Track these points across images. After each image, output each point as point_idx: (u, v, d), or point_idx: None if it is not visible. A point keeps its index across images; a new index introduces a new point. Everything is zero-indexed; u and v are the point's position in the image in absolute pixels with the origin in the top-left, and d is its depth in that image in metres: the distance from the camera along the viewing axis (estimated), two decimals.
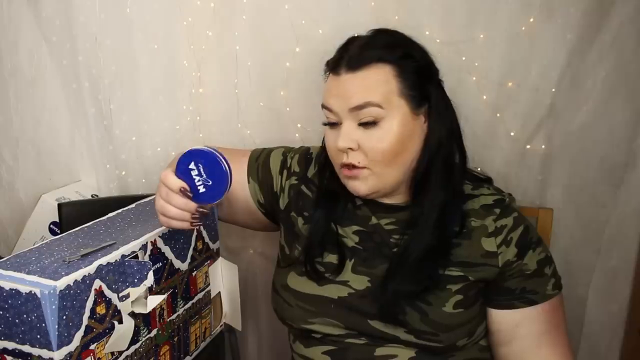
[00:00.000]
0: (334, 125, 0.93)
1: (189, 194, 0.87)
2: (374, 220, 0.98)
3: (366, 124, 0.88)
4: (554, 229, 1.18)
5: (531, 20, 1.12)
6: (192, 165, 0.86)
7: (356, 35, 0.96)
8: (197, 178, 0.86)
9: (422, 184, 0.93)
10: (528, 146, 1.20)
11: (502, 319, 0.94)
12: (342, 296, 0.94)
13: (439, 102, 0.94)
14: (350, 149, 0.89)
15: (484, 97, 1.18)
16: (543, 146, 1.19)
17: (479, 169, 1.10)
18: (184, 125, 1.38)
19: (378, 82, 0.88)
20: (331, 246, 0.98)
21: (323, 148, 1.03)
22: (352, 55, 0.90)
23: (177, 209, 0.87)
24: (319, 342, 0.96)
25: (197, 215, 0.88)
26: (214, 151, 0.85)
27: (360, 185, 0.91)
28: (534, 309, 0.92)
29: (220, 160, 0.85)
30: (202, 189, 0.86)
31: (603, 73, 1.13)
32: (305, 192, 1.04)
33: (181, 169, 0.87)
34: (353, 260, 0.97)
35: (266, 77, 1.30)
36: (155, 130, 1.40)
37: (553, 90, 1.15)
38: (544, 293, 0.93)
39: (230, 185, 0.86)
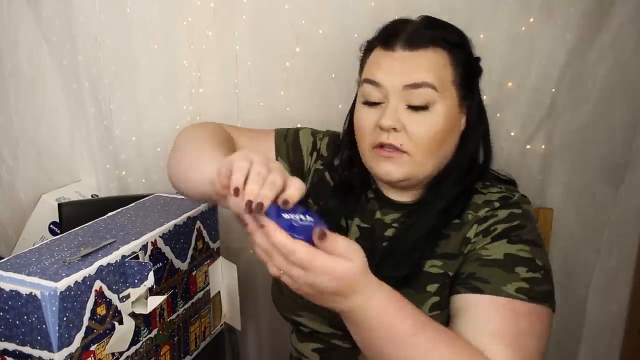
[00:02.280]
0: (374, 105, 0.87)
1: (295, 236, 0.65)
2: (378, 215, 0.94)
3: (416, 108, 0.84)
4: (554, 229, 1.18)
5: (531, 20, 1.12)
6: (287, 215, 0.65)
7: (399, 18, 0.92)
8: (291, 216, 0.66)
9: (440, 181, 0.90)
10: (528, 146, 1.20)
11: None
12: None
13: (480, 100, 0.92)
14: (395, 129, 0.83)
15: (484, 97, 1.17)
16: (543, 146, 1.19)
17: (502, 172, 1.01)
18: (184, 125, 1.38)
19: (436, 64, 0.85)
20: None
21: (347, 133, 0.98)
22: (411, 33, 0.86)
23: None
24: (308, 338, 0.96)
25: None
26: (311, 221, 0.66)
27: (394, 169, 0.86)
28: (478, 297, 0.78)
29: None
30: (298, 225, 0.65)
31: (603, 73, 1.13)
32: (327, 180, 1.00)
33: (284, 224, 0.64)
34: None
35: (266, 77, 1.30)
36: (155, 130, 1.40)
37: (553, 90, 1.15)
38: (498, 287, 0.77)
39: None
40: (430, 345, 0.70)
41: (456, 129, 0.88)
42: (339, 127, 1.27)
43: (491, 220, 0.85)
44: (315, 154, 1.03)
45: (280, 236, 0.63)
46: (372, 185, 0.96)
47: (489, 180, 0.93)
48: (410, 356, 0.69)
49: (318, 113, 1.29)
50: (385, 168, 0.86)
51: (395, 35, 0.87)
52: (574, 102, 1.15)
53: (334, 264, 0.64)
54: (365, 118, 0.88)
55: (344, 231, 0.95)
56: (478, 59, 0.92)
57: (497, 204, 0.87)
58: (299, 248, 0.63)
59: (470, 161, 0.91)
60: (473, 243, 0.84)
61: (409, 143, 0.84)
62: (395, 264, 0.86)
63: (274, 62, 1.29)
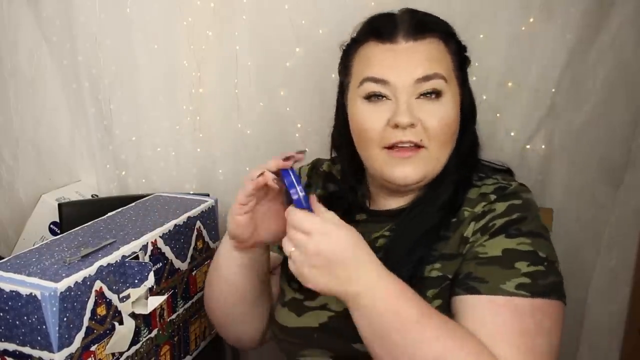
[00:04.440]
0: (377, 100, 0.81)
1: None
2: (371, 236, 0.86)
3: (429, 96, 0.80)
4: (554, 229, 1.17)
5: (531, 20, 1.12)
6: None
7: (379, 13, 0.88)
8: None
9: (438, 179, 0.85)
10: (528, 146, 1.20)
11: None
12: (323, 322, 0.84)
13: (470, 88, 0.89)
14: (412, 125, 0.78)
15: (484, 97, 1.18)
16: (543, 146, 1.19)
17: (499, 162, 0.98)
18: (184, 125, 1.38)
19: (441, 54, 0.82)
20: None
21: (340, 138, 0.92)
22: (409, 23, 0.81)
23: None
24: None
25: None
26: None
27: (412, 171, 0.80)
28: (476, 298, 0.73)
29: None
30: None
31: (603, 73, 1.13)
32: None
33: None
34: None
35: (266, 77, 1.30)
36: (155, 130, 1.40)
37: (553, 90, 1.15)
38: (496, 286, 0.73)
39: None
40: (437, 333, 0.68)
41: (458, 118, 0.84)
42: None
43: (489, 216, 0.79)
44: None
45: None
46: (366, 205, 0.91)
47: (484, 172, 0.87)
48: (415, 343, 0.67)
49: (318, 113, 1.28)
50: (403, 172, 0.81)
51: (393, 26, 0.82)
52: (574, 102, 1.15)
53: (332, 225, 0.70)
54: (371, 117, 0.81)
55: None
56: (465, 48, 0.88)
57: (493, 197, 0.81)
58: (296, 212, 0.70)
59: (468, 148, 0.87)
60: (471, 242, 0.78)
61: (426, 138, 0.80)
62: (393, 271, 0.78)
63: (274, 62, 1.29)
